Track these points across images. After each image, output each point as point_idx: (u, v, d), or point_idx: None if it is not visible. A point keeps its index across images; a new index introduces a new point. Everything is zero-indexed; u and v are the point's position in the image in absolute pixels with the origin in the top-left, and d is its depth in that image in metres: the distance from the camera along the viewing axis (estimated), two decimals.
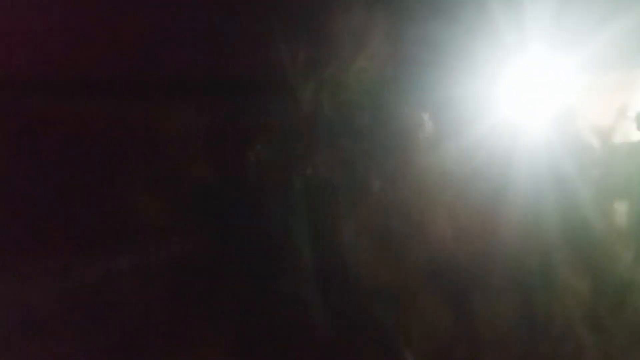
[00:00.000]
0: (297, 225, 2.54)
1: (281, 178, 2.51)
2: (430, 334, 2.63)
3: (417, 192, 2.73)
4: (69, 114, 2.33)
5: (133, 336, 2.30)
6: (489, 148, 2.77)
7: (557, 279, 2.66)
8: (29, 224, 2.30)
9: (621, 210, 2.74)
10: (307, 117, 2.64)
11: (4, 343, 2.21)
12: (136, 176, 2.44)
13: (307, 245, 2.54)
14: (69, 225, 2.35)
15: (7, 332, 2.21)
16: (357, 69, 2.71)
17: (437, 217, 2.73)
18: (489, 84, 2.86)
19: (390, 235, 2.65)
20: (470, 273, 2.68)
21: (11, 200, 2.26)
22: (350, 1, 2.71)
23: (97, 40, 2.36)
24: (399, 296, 2.62)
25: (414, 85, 2.82)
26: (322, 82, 2.60)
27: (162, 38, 2.38)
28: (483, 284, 2.69)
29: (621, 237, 2.68)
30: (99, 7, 2.33)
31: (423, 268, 2.68)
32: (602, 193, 2.66)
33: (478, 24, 2.80)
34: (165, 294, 2.34)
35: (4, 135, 2.27)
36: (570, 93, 2.89)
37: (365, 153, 2.72)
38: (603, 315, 2.59)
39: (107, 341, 2.30)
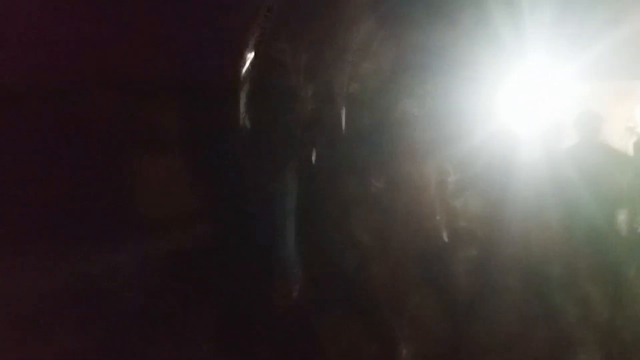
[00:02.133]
0: (294, 224, 2.55)
1: (280, 176, 2.52)
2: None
3: (416, 195, 2.73)
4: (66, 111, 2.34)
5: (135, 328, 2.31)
6: (489, 154, 2.77)
7: (550, 283, 2.67)
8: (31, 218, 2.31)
9: (622, 217, 2.75)
10: (308, 117, 2.66)
11: (8, 335, 2.21)
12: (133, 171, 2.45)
13: (303, 244, 2.55)
14: (70, 219, 2.35)
15: (11, 324, 2.22)
16: (358, 72, 2.73)
17: (437, 220, 2.74)
18: (491, 90, 2.87)
19: (388, 238, 2.65)
20: (467, 277, 2.69)
21: (12, 195, 2.27)
22: (353, 7, 2.74)
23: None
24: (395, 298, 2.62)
25: (414, 89, 2.83)
26: (323, 83, 2.61)
27: (167, 35, 2.40)
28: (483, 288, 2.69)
29: (623, 243, 2.68)
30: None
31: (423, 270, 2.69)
32: (603, 200, 2.66)
33: (480, 30, 2.82)
34: (166, 287, 2.35)
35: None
36: (571, 102, 2.91)
37: (365, 155, 2.72)
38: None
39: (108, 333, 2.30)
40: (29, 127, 2.32)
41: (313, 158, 2.66)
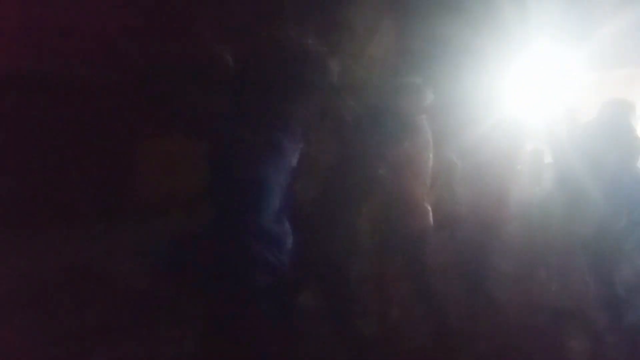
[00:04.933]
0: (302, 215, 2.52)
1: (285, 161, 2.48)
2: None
3: (422, 184, 2.70)
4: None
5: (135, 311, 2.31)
6: (494, 143, 2.74)
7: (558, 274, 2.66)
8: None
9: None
10: (316, 106, 2.62)
11: (10, 316, 2.20)
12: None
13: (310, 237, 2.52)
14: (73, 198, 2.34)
15: (12, 304, 2.21)
16: (366, 60, 2.70)
17: (442, 210, 2.72)
18: (495, 79, 2.85)
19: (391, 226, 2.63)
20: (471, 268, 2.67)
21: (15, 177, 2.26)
22: None
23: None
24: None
25: (421, 79, 2.80)
26: (331, 71, 2.58)
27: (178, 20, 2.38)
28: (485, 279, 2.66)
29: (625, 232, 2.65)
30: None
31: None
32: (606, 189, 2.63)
33: (485, 19, 2.80)
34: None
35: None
36: (575, 90, 2.88)
37: (372, 144, 2.70)
38: None
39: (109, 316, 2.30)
40: (33, 111, 2.31)
41: (319, 145, 2.63)
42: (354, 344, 2.50)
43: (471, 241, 2.70)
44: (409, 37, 2.86)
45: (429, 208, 2.66)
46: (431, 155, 2.71)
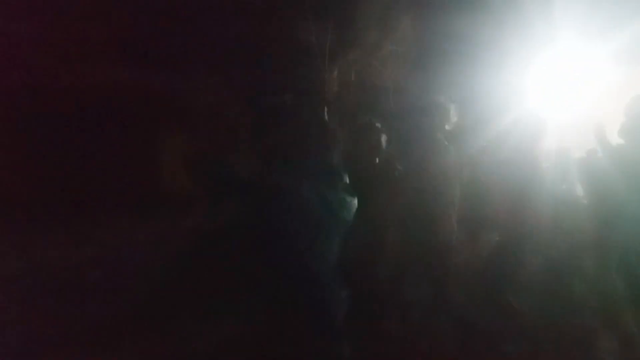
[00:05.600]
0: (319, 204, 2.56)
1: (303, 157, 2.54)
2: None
3: (441, 179, 2.70)
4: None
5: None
6: (517, 138, 2.71)
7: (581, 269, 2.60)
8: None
9: None
10: (332, 99, 2.67)
11: (27, 308, 2.27)
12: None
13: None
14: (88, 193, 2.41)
15: (30, 296, 2.28)
16: (384, 54, 2.73)
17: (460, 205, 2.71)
18: (519, 75, 2.83)
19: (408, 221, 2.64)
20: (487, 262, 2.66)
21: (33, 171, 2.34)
22: None
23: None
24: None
25: (441, 74, 2.81)
26: (347, 64, 2.62)
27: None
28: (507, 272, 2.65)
29: None
30: None
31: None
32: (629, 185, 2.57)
33: (508, 14, 2.78)
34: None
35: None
36: (601, 86, 2.83)
37: (389, 137, 2.71)
38: None
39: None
40: (50, 102, 2.40)
41: (336, 141, 2.67)
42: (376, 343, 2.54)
43: (495, 242, 2.72)
44: (429, 34, 2.86)
45: (453, 216, 2.67)
46: (453, 153, 2.71)
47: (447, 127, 2.75)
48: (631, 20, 2.68)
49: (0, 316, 2.22)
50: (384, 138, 2.66)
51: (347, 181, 2.62)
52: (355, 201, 2.60)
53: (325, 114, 2.64)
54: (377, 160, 2.63)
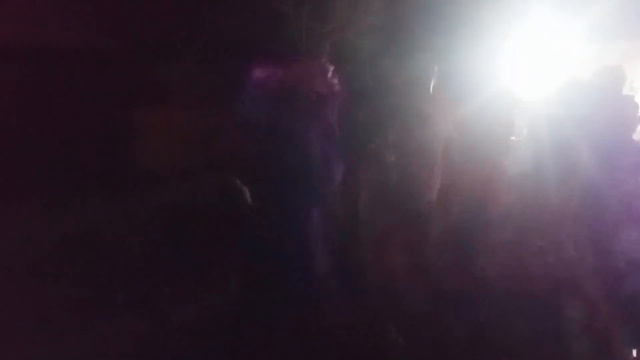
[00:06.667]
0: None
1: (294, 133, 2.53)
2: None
3: (422, 158, 2.73)
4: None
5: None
6: (492, 116, 2.75)
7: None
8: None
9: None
10: (312, 77, 2.65)
11: (9, 286, 2.23)
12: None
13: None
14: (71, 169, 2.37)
15: (11, 275, 2.24)
16: (360, 30, 2.71)
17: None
18: (493, 51, 2.84)
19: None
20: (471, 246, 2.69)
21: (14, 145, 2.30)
22: None
23: None
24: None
25: (417, 50, 2.81)
26: (325, 42, 2.60)
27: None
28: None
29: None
30: None
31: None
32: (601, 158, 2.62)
33: None
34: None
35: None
36: (574, 62, 2.86)
37: (370, 117, 2.72)
38: None
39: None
40: (35, 80, 2.34)
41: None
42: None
43: (466, 212, 2.72)
44: (406, 9, 2.85)
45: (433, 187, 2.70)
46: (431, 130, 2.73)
47: (425, 103, 2.76)
48: None
49: None
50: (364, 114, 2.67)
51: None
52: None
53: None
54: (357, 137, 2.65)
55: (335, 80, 2.68)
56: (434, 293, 2.58)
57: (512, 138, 2.75)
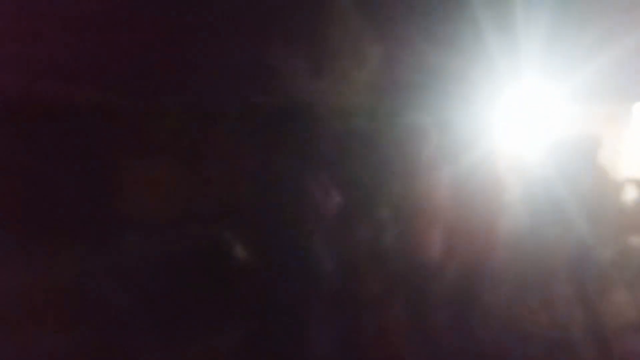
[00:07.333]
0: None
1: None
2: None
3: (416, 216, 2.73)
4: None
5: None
6: (482, 173, 2.77)
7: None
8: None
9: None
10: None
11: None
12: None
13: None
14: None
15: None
16: (354, 86, 2.73)
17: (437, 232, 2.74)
18: (481, 109, 2.88)
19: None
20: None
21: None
22: (344, 21, 2.74)
23: None
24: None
25: (407, 107, 2.83)
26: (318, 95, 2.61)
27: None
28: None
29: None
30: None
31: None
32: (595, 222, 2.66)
33: (471, 49, 2.84)
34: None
35: None
36: (563, 122, 2.91)
37: (364, 174, 2.72)
38: None
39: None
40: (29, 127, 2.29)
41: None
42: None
43: (461, 271, 2.71)
44: (396, 66, 2.88)
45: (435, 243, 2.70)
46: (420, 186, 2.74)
47: (421, 154, 2.78)
48: (593, 57, 2.78)
49: None
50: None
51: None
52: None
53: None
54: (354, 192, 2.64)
55: (330, 135, 2.68)
56: (431, 351, 2.55)
57: (505, 197, 2.78)
